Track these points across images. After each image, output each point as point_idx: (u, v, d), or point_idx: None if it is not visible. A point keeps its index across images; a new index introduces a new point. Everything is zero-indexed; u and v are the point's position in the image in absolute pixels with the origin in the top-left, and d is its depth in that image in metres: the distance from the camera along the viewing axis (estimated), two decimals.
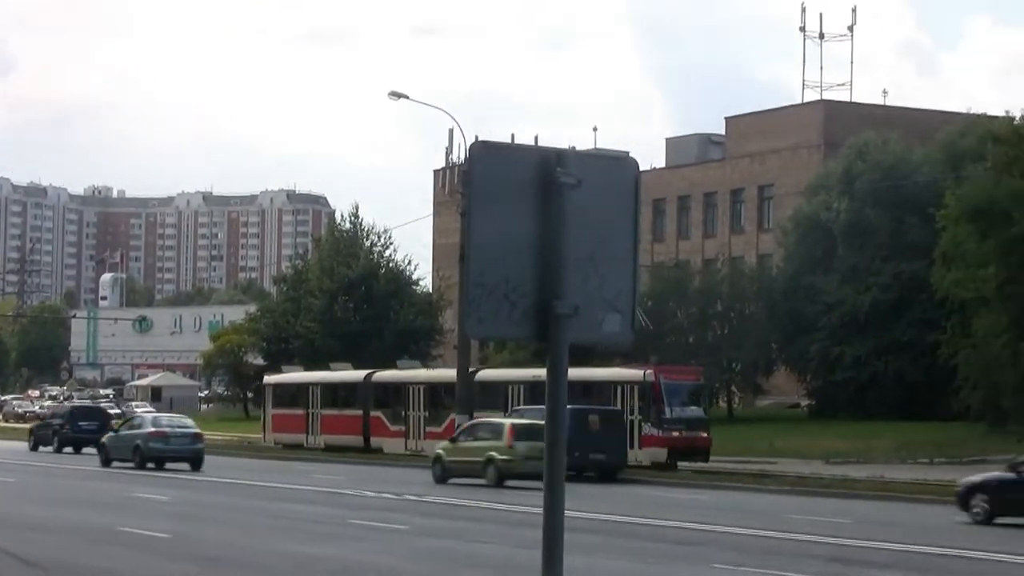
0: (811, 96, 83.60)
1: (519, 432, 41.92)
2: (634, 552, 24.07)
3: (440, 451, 44.30)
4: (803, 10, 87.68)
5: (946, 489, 41.60)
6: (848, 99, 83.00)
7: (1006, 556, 24.55)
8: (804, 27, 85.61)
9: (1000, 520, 31.23)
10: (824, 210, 71.18)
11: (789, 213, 74.90)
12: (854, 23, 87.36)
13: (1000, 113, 68.26)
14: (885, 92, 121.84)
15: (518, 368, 61.80)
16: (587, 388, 53.33)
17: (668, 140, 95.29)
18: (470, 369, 57.79)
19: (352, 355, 71.81)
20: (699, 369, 57.01)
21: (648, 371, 52.47)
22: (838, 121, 79.10)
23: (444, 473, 43.17)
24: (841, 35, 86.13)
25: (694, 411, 52.83)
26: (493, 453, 41.95)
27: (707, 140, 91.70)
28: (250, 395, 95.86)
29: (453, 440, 44.58)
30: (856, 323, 68.17)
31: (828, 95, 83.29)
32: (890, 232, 68.36)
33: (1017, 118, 64.09)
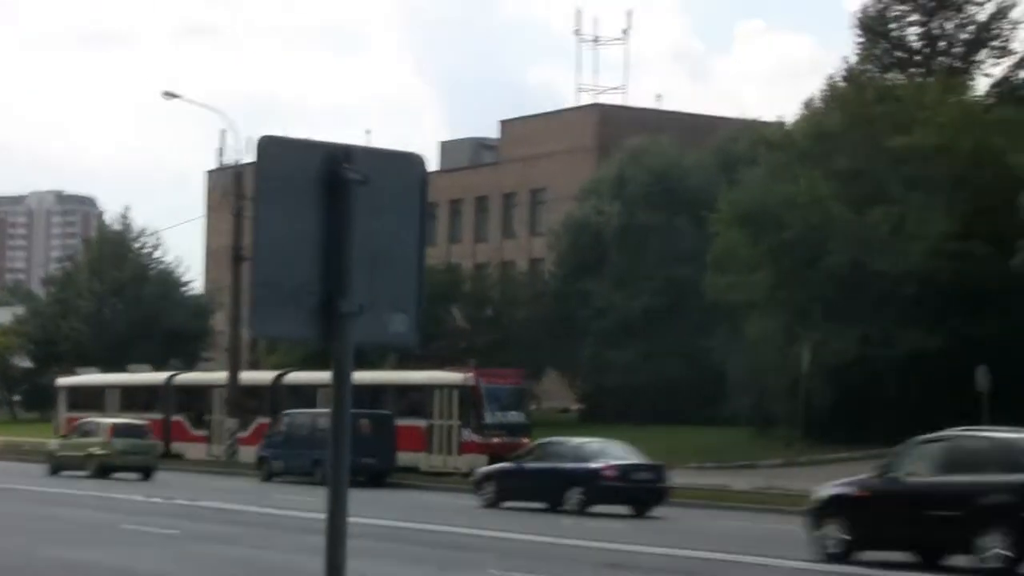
0: (585, 100, 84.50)
1: (118, 430, 50.51)
2: (407, 557, 23.94)
3: (51, 447, 52.54)
4: (578, 14, 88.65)
5: (716, 494, 42.63)
6: (622, 103, 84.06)
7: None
8: (579, 31, 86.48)
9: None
10: (596, 214, 71.84)
11: (562, 217, 75.54)
12: (629, 27, 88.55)
13: (772, 118, 69.94)
14: (659, 96, 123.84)
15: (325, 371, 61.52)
16: (404, 392, 53.72)
17: (441, 144, 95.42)
18: (277, 372, 57.97)
19: (120, 358, 70.71)
20: (520, 372, 55.94)
21: (469, 375, 52.14)
22: (611, 125, 79.90)
23: (54, 467, 50.60)
24: (616, 39, 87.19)
25: (515, 416, 52.14)
26: (94, 448, 49.66)
27: (480, 144, 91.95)
28: (17, 398, 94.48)
29: (65, 437, 52.89)
30: (627, 328, 68.85)
31: (602, 99, 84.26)
32: (663, 237, 69.13)
33: (789, 123, 65.75)
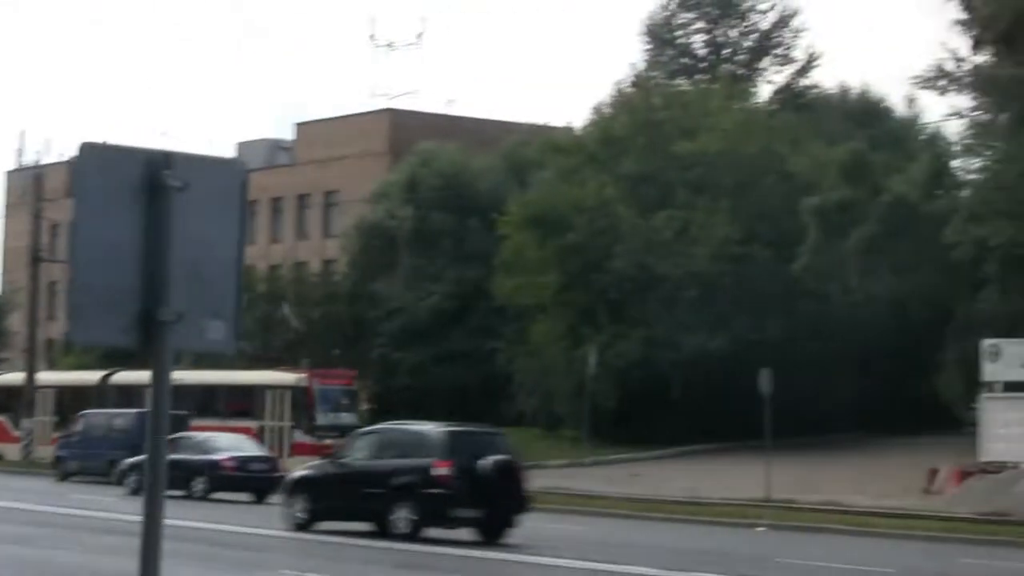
0: (379, 104, 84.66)
1: None
2: (203, 557, 23.89)
3: None
4: (373, 19, 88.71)
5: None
6: (415, 108, 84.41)
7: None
8: (373, 35, 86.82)
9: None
10: (388, 217, 72.10)
11: (355, 220, 75.66)
12: (422, 33, 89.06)
13: (560, 124, 70.87)
14: (450, 102, 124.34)
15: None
16: (235, 393, 53.07)
17: (238, 144, 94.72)
18: (105, 372, 57.25)
19: None
20: (352, 373, 55.66)
21: (302, 375, 51.97)
22: (404, 129, 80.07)
23: None
24: (410, 44, 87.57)
25: (348, 417, 51.63)
26: None
27: (276, 145, 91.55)
28: None
29: None
30: (417, 329, 69.13)
31: (395, 103, 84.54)
32: (454, 239, 69.65)
33: (577, 128, 66.73)
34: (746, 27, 71.00)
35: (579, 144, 63.45)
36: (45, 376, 62.70)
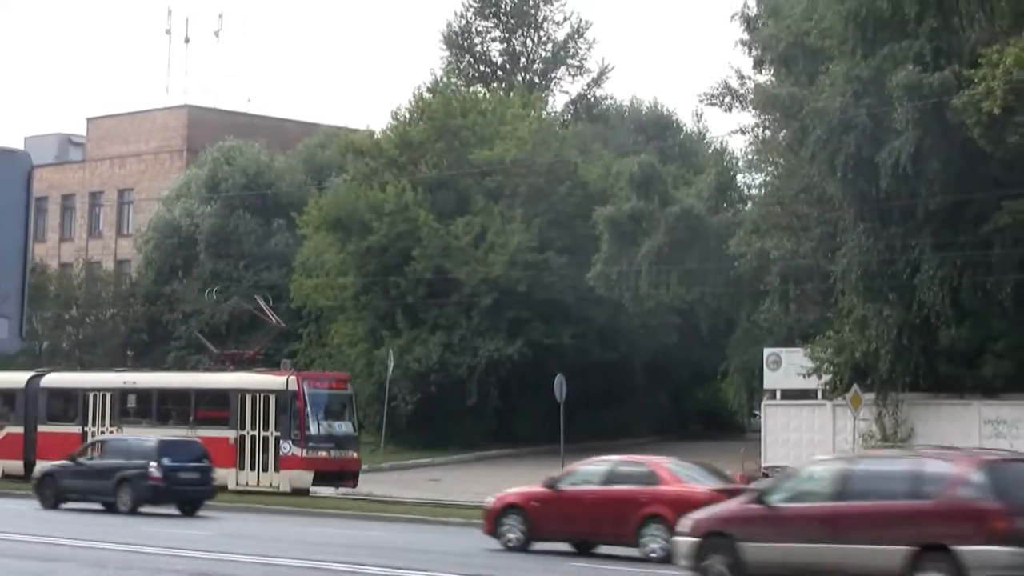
0: (176, 100, 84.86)
1: None
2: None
3: None
4: (169, 13, 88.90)
5: (310, 502, 43.83)
6: (213, 105, 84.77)
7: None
8: (170, 30, 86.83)
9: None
10: (186, 216, 72.40)
11: (150, 218, 75.75)
12: (220, 29, 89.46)
13: (361, 126, 72.02)
14: (249, 100, 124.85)
15: (100, 372, 55.79)
16: (206, 398, 47.68)
17: (26, 139, 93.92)
18: (34, 372, 53.27)
19: None
20: (346, 376, 50.27)
21: (290, 377, 45.86)
22: (202, 127, 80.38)
23: None
24: (208, 40, 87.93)
25: (344, 427, 46.27)
26: None
27: (67, 140, 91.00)
28: None
29: None
30: (215, 331, 69.60)
31: (193, 100, 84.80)
32: (254, 240, 70.40)
33: (377, 132, 68.00)
34: (542, 37, 73.05)
35: (378, 148, 64.58)
36: None
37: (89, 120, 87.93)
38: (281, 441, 44.82)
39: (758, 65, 53.58)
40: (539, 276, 58.20)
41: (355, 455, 46.18)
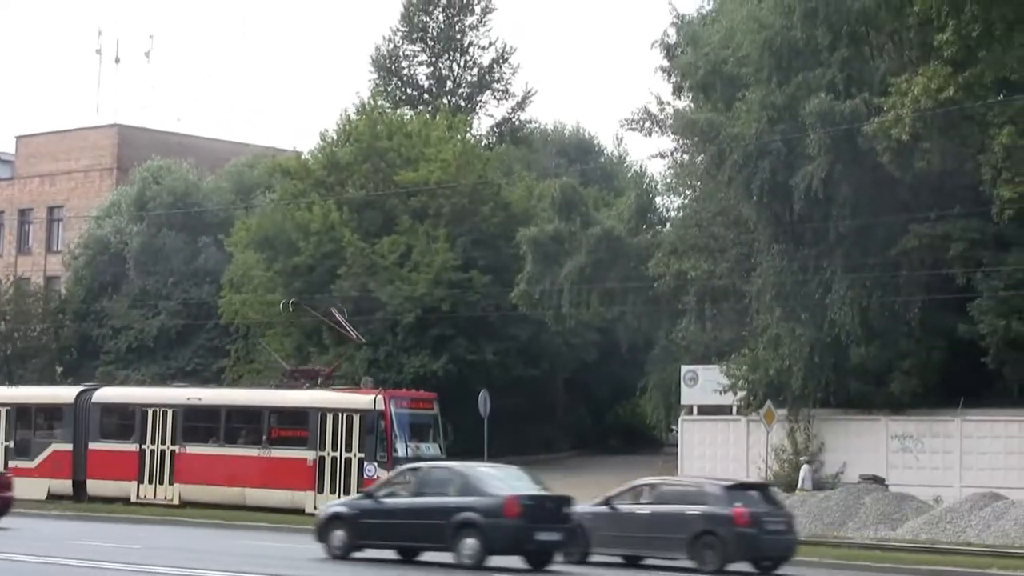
0: (106, 119, 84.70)
1: None
2: None
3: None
4: (99, 33, 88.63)
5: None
6: (144, 124, 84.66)
7: None
8: (100, 50, 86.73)
9: None
10: (115, 234, 72.38)
11: (79, 235, 75.68)
12: (151, 50, 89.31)
13: (289, 147, 72.25)
14: (179, 119, 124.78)
15: (159, 388, 52.70)
16: (286, 415, 44.20)
17: None
18: (83, 387, 50.00)
19: None
20: (432, 395, 46.32)
21: (376, 396, 42.77)
22: (132, 146, 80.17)
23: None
24: (138, 60, 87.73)
25: (431, 448, 43.07)
26: None
27: None
28: None
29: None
30: (144, 347, 69.65)
31: (123, 119, 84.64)
32: (183, 257, 70.49)
33: (305, 153, 68.25)
34: (467, 62, 73.62)
35: (306, 169, 64.81)
36: None
37: (19, 138, 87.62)
38: (365, 463, 42.01)
39: (677, 91, 54.41)
40: (463, 294, 58.67)
41: None
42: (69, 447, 48.01)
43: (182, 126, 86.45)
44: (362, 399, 42.97)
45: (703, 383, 49.90)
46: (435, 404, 45.00)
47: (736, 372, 47.89)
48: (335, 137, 66.63)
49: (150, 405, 46.94)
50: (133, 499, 46.15)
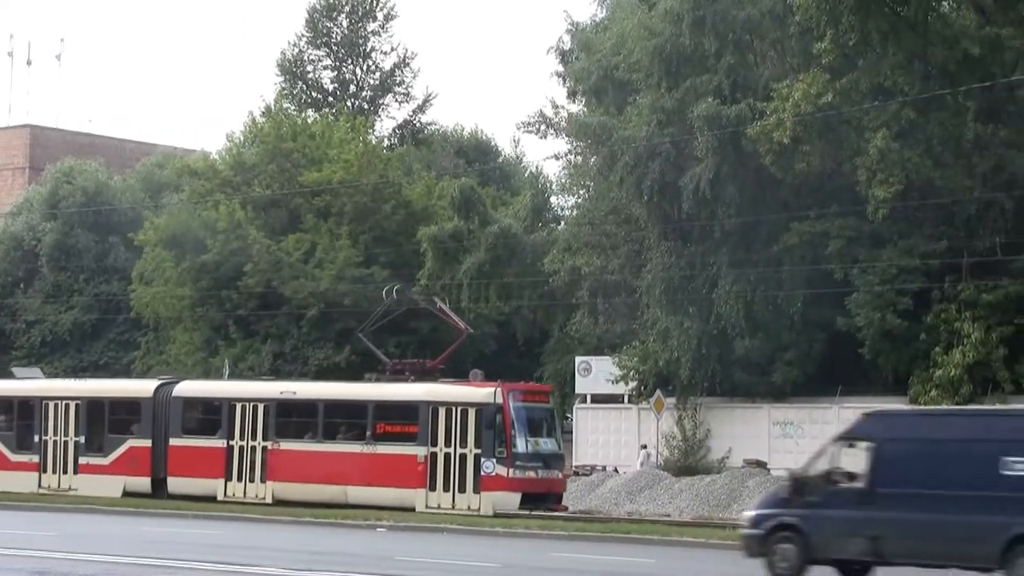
0: (19, 120, 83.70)
1: None
2: None
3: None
4: (11, 36, 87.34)
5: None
6: (55, 125, 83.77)
7: None
8: (12, 53, 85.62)
9: None
10: (28, 231, 71.56)
11: None
12: (62, 52, 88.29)
13: (197, 147, 71.81)
14: (91, 120, 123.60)
15: (247, 381, 48.76)
16: (393, 410, 40.84)
17: None
18: (161, 380, 46.24)
19: None
20: (547, 388, 44.25)
21: (497, 389, 39.23)
22: (44, 146, 79.37)
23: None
24: (50, 63, 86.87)
25: (549, 444, 40.10)
26: None
27: None
28: None
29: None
30: (58, 341, 68.95)
31: (35, 120, 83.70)
32: (95, 254, 69.78)
33: (213, 153, 67.86)
34: (370, 66, 73.53)
35: (213, 169, 64.49)
36: (62, 385, 49.08)
37: None
38: (483, 460, 38.61)
39: (571, 96, 54.70)
40: (364, 290, 58.55)
41: (561, 475, 40.24)
42: (147, 443, 43.93)
43: (93, 127, 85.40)
44: (479, 392, 39.39)
45: (596, 373, 50.17)
46: (550, 397, 42.62)
47: (627, 363, 48.19)
48: (242, 139, 66.28)
49: (238, 399, 42.97)
50: (220, 497, 42.09)
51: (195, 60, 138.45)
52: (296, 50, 73.15)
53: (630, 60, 48.04)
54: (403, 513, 38.55)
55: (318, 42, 72.99)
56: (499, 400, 38.63)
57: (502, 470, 38.15)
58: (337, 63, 73.13)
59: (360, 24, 72.89)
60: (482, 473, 38.50)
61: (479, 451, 38.57)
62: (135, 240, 63.96)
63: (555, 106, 57.29)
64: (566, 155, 56.47)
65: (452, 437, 38.94)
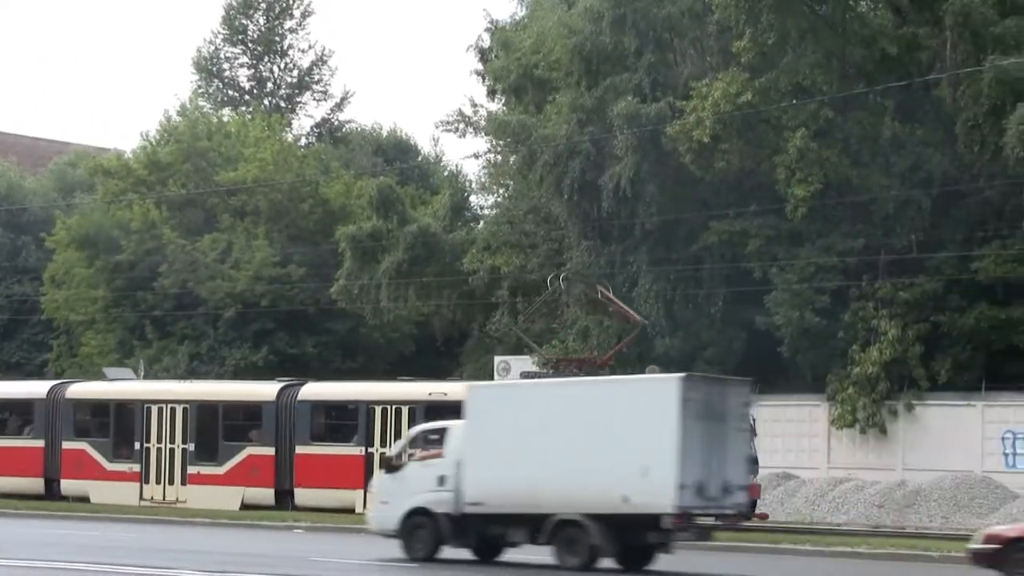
0: None
1: None
2: None
3: None
4: None
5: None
6: None
7: None
8: None
9: None
10: None
11: None
12: None
13: (111, 146, 71.21)
14: (2, 118, 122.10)
15: (384, 383, 44.15)
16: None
17: None
18: (284, 383, 42.50)
19: None
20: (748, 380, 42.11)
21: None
22: None
23: None
24: None
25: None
26: None
27: None
28: None
29: None
30: None
31: None
32: (7, 254, 68.96)
33: (127, 152, 67.30)
34: (287, 64, 73.30)
35: (127, 168, 64.01)
36: (167, 387, 45.59)
37: None
38: None
39: (491, 94, 54.72)
40: (282, 289, 58.34)
41: (756, 480, 35.02)
42: (270, 451, 40.71)
43: (5, 125, 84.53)
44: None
45: (515, 373, 50.17)
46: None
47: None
48: (157, 137, 65.87)
49: (378, 402, 39.79)
50: (359, 510, 37.55)
51: (110, 58, 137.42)
52: (212, 48, 72.79)
53: (550, 58, 48.21)
54: (319, 515, 37.86)
55: (235, 39, 72.66)
56: None
57: None
58: (254, 61, 72.83)
59: (277, 21, 72.65)
60: None
61: None
62: (46, 241, 63.44)
63: (474, 105, 57.42)
64: (485, 154, 56.63)
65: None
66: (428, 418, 37.81)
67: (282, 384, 42.39)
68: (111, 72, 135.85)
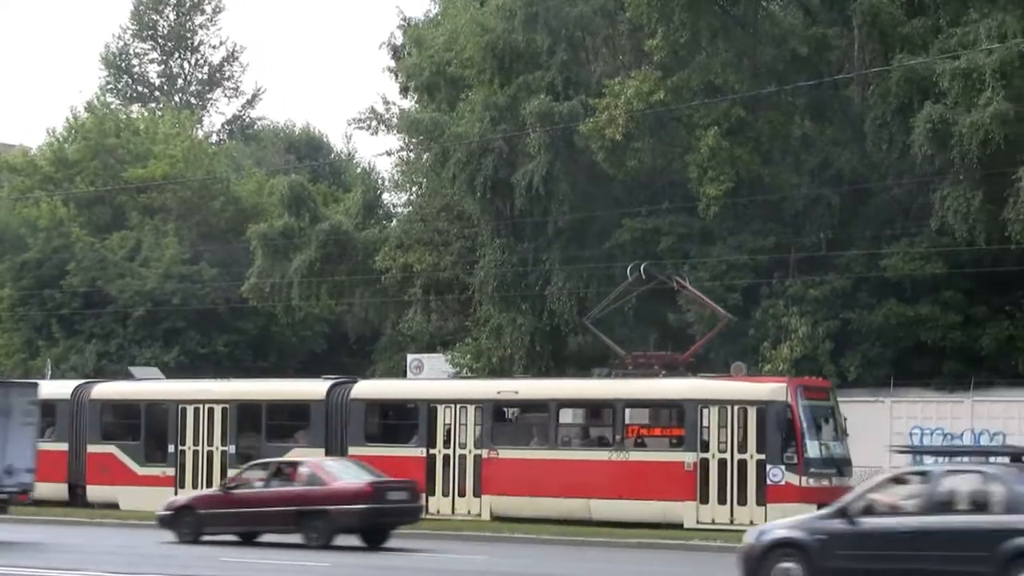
0: None
1: None
2: None
3: None
4: None
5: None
6: None
7: None
8: None
9: None
10: None
11: None
12: None
13: (16, 144, 70.55)
14: None
15: (450, 380, 43.17)
16: (652, 410, 36.79)
17: None
18: (334, 380, 40.11)
19: None
20: (828, 384, 37.64)
21: (781, 385, 34.28)
22: None
23: None
24: None
25: (840, 447, 34.81)
26: None
27: None
28: None
29: None
30: None
31: None
32: None
33: (33, 149, 66.81)
34: (199, 60, 73.06)
35: (33, 165, 63.60)
36: (203, 386, 42.36)
37: None
38: (769, 467, 33.45)
39: (404, 92, 54.86)
40: (192, 288, 58.19)
41: (850, 483, 32.22)
42: (320, 452, 37.66)
43: None
44: (765, 388, 34.23)
45: (428, 371, 50.41)
46: (831, 394, 36.12)
47: (460, 360, 48.54)
48: (64, 134, 65.47)
49: (441, 401, 37.46)
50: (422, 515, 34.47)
51: (14, 52, 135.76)
52: (121, 43, 72.49)
53: (462, 56, 48.39)
54: None
55: (144, 35, 72.38)
56: (789, 398, 33.65)
57: (793, 478, 33.19)
58: (164, 56, 72.58)
59: (187, 17, 72.45)
60: (768, 482, 33.42)
61: (762, 456, 33.59)
62: None
63: (387, 102, 57.56)
64: (398, 152, 56.80)
65: (728, 441, 34.07)
66: (496, 418, 37.00)
67: (331, 382, 39.92)
68: (16, 66, 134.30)
